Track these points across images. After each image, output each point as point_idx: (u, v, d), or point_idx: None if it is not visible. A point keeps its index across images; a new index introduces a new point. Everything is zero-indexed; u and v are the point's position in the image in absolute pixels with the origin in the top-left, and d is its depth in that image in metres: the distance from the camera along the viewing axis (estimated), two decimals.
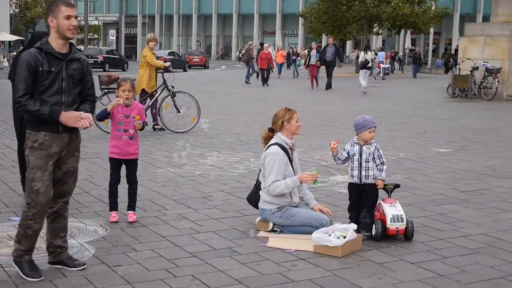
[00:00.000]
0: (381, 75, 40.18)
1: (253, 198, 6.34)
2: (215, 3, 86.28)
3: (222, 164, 9.63)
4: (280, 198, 6.02)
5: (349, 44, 75.10)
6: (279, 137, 6.10)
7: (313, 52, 29.11)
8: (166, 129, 13.12)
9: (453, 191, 7.99)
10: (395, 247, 5.66)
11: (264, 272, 5.00)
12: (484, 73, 22.88)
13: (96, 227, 6.15)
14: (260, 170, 6.23)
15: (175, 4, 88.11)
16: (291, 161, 6.09)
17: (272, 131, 6.16)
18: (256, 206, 6.25)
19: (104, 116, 6.28)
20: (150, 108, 13.07)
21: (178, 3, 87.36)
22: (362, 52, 28.08)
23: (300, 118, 6.26)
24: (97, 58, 44.75)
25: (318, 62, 28.11)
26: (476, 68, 23.07)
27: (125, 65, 47.92)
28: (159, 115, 13.22)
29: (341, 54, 28.05)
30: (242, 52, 37.77)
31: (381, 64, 41.57)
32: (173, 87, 13.10)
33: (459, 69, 24.84)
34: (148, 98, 13.07)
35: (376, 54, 48.68)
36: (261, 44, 38.58)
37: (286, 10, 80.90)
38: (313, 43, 31.54)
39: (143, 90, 12.94)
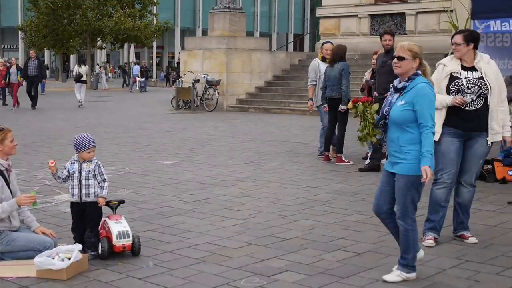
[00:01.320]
0: (138, 88, 40.63)
1: None
2: None
3: None
4: None
5: (73, 58, 73.69)
6: None
7: (13, 69, 25.95)
8: None
9: (179, 202, 8.14)
10: (123, 264, 5.60)
11: None
12: (205, 85, 23.81)
13: None
14: None
15: None
16: (8, 183, 5.74)
17: None
18: None
19: None
20: None
21: None
22: (76, 65, 27.47)
23: (23, 136, 6.01)
24: None
25: (22, 79, 25.40)
26: (197, 81, 23.92)
27: None
28: None
29: (44, 69, 26.70)
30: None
31: (137, 78, 41.84)
32: None
33: (182, 82, 25.58)
34: None
35: (101, 67, 48.57)
36: None
37: (4, 23, 77.06)
38: (13, 59, 28.38)
39: None
